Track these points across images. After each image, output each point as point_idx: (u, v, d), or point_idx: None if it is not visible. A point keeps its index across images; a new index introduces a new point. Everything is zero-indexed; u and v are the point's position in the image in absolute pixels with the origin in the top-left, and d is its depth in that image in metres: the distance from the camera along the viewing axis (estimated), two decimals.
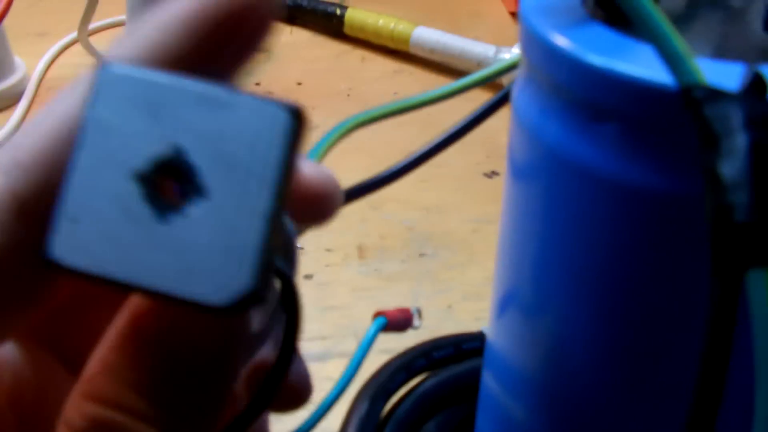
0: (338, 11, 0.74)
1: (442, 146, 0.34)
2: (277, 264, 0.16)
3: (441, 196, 0.55)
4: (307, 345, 0.43)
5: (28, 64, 0.66)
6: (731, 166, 0.15)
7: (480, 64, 0.66)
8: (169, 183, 0.14)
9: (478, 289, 0.47)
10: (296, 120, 0.14)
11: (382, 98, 0.66)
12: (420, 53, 0.70)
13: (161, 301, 0.14)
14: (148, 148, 0.14)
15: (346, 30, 0.74)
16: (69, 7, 0.80)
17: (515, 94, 0.23)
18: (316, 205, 0.20)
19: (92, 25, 0.66)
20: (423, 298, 0.46)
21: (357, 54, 0.74)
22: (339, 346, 0.43)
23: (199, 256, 0.13)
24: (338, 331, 0.44)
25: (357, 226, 0.52)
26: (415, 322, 0.36)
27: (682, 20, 0.21)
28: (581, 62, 0.18)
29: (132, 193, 0.14)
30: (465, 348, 0.36)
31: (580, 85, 0.19)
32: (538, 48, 0.20)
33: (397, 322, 0.34)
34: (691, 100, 0.16)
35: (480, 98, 0.67)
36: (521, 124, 0.22)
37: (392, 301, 0.46)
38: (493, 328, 0.27)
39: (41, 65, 0.66)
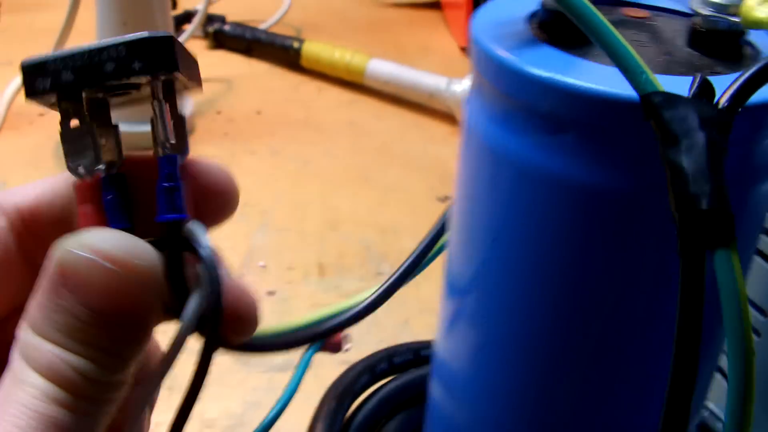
0: (295, 44, 0.77)
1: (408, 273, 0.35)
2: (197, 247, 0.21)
3: (396, 218, 0.57)
4: (270, 356, 0.45)
5: None
6: (692, 161, 0.18)
7: (432, 95, 0.70)
8: None
9: (433, 304, 0.50)
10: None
11: (339, 126, 0.69)
12: (374, 84, 0.74)
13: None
14: None
15: (303, 62, 0.77)
16: (33, 36, 0.82)
17: (466, 106, 0.26)
18: (216, 201, 0.24)
19: None
20: (381, 312, 0.49)
21: (313, 85, 0.77)
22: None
23: None
24: None
25: (317, 246, 0.54)
26: (345, 345, 0.39)
27: None
28: (529, 75, 0.21)
29: None
30: (423, 354, 0.39)
31: (524, 95, 0.22)
32: (488, 64, 0.23)
33: (330, 344, 0.36)
34: (651, 105, 0.19)
35: (433, 128, 0.71)
36: (471, 131, 0.25)
37: None
38: (440, 338, 0.30)
39: (9, 92, 0.68)
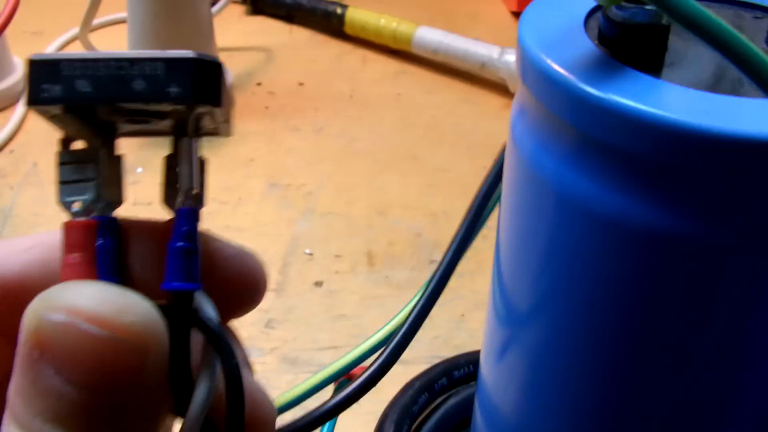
0: (339, 10, 0.74)
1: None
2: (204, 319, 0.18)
3: (448, 202, 0.54)
4: (319, 354, 0.42)
5: None
6: None
7: (484, 65, 0.66)
8: None
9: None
10: None
11: (385, 100, 0.66)
12: (422, 54, 0.70)
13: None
14: None
15: (347, 29, 0.73)
16: (63, 5, 0.79)
17: (513, 117, 0.23)
18: (239, 291, 0.20)
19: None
20: (435, 305, 0.46)
21: (358, 54, 0.73)
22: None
23: None
24: (350, 341, 0.43)
25: (365, 232, 0.51)
26: None
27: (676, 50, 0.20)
28: (618, 109, 0.18)
29: None
30: None
31: (585, 122, 0.18)
32: (540, 80, 0.19)
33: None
34: None
35: (485, 101, 0.67)
36: (519, 156, 0.21)
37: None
38: (486, 364, 0.27)
39: None
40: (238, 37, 0.75)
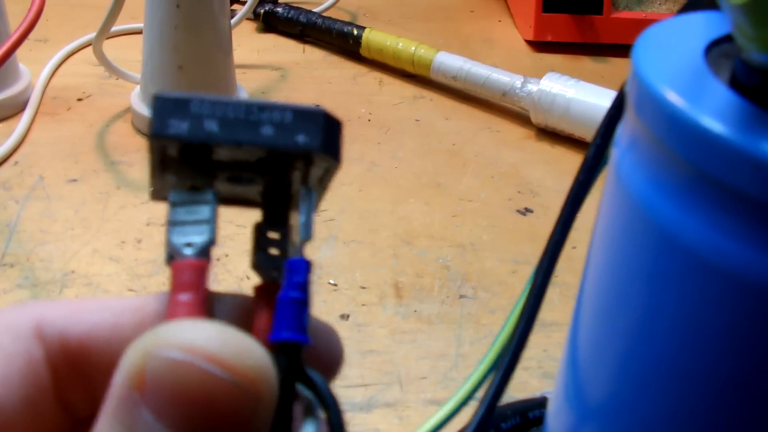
0: (355, 31, 0.72)
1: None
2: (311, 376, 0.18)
3: (474, 233, 0.52)
4: (349, 392, 0.40)
5: (30, 71, 0.63)
6: None
7: (505, 94, 0.64)
8: None
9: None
10: None
11: (404, 124, 0.64)
12: (441, 79, 0.68)
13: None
14: None
15: (363, 51, 0.71)
16: (69, 12, 0.77)
17: (619, 153, 0.21)
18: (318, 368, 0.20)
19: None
20: (467, 343, 0.43)
21: (373, 76, 0.71)
22: (384, 394, 0.40)
23: None
24: (381, 378, 0.41)
25: (390, 262, 0.49)
26: None
27: None
28: (736, 150, 0.16)
29: None
30: (531, 417, 0.34)
31: (726, 172, 0.17)
32: (681, 131, 0.17)
33: None
34: None
35: (506, 130, 0.65)
36: (627, 196, 0.19)
37: (435, 346, 0.43)
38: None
39: (45, 72, 0.62)
40: (251, 54, 0.73)
